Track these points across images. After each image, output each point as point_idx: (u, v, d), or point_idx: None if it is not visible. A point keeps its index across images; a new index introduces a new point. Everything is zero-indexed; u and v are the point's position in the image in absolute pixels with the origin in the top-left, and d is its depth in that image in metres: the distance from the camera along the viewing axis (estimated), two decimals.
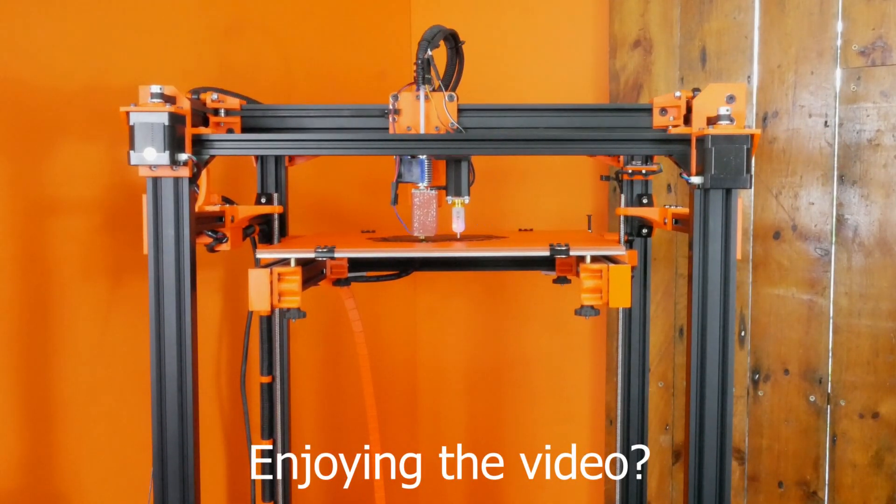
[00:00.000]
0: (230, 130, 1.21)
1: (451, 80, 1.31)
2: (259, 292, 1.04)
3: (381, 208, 2.08)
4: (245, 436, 1.42)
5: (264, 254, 1.10)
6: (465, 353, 2.17)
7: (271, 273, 1.04)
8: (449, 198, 1.22)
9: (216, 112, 1.19)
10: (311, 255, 1.08)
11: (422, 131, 1.19)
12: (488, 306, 2.14)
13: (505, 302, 2.11)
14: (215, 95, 1.18)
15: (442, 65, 1.30)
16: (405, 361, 2.18)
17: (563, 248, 1.08)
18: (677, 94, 1.18)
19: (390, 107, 1.18)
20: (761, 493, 1.82)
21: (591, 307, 1.07)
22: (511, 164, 2.05)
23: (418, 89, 1.17)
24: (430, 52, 1.15)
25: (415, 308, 2.19)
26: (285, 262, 1.09)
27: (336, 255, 1.09)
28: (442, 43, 1.24)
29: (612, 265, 1.05)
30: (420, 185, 1.21)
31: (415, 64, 1.16)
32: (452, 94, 1.19)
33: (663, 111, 1.20)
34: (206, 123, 1.19)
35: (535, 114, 1.23)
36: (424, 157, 1.19)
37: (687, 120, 1.19)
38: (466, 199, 1.22)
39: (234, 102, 1.21)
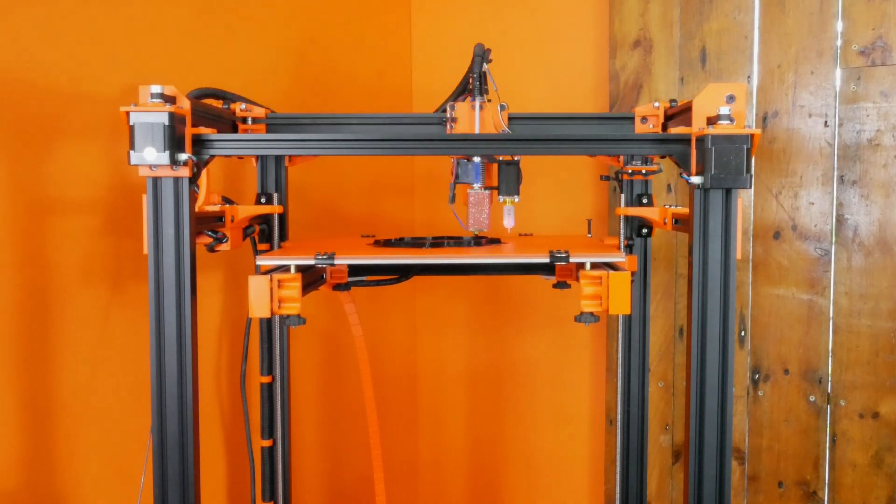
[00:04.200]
0: None
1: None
2: (259, 299, 1.04)
3: (381, 209, 2.09)
4: (245, 436, 1.42)
5: (264, 260, 1.10)
6: (464, 354, 2.17)
7: (271, 279, 1.04)
8: (501, 197, 1.30)
9: (244, 120, 1.29)
10: (311, 262, 1.08)
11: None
12: (488, 309, 2.14)
13: (505, 304, 2.11)
14: (244, 105, 1.28)
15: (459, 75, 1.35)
16: (405, 364, 2.18)
17: (563, 255, 1.08)
18: (656, 104, 1.28)
19: (447, 115, 1.31)
20: (761, 493, 1.82)
21: (591, 314, 1.07)
22: None
23: (473, 100, 1.28)
24: (486, 66, 1.26)
25: (414, 311, 2.19)
26: (285, 268, 1.09)
27: (336, 261, 1.08)
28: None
29: (611, 272, 1.05)
30: (475, 185, 1.29)
31: (471, 77, 1.27)
32: (504, 104, 1.29)
33: (644, 119, 1.30)
34: (235, 131, 1.28)
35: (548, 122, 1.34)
36: (478, 159, 1.28)
37: (665, 128, 1.29)
38: (517, 198, 1.30)
39: (259, 111, 1.29)
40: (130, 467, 1.30)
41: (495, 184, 1.30)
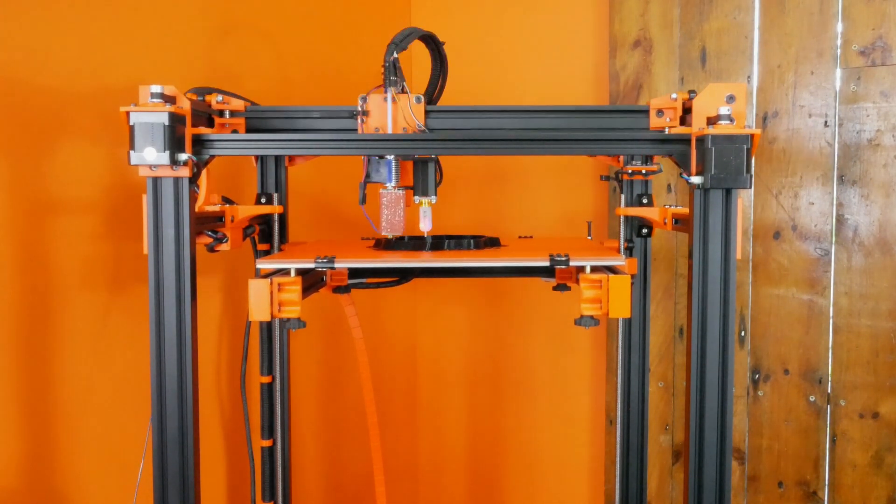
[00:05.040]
0: (234, 132, 1.22)
1: (436, 82, 1.31)
2: (259, 302, 1.04)
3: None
4: (245, 436, 1.42)
5: (264, 264, 1.09)
6: (465, 355, 2.17)
7: (271, 283, 1.04)
8: (416, 198, 1.24)
9: (221, 113, 1.21)
10: (312, 266, 1.08)
11: (389, 132, 1.20)
12: (488, 310, 2.14)
13: (505, 305, 2.11)
14: (220, 97, 1.20)
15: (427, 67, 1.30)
16: (406, 364, 2.19)
17: (563, 259, 1.08)
18: (673, 95, 1.20)
19: (359, 108, 1.19)
20: (761, 493, 1.82)
21: (591, 317, 1.07)
22: (511, 166, 2.05)
23: (385, 91, 1.18)
24: (396, 55, 1.16)
25: (415, 312, 2.19)
26: (285, 271, 1.09)
27: (336, 265, 1.08)
28: (421, 46, 1.25)
29: (611, 275, 1.05)
30: (388, 185, 1.22)
31: (382, 66, 1.17)
32: (419, 96, 1.20)
33: (660, 112, 1.22)
34: (210, 125, 1.20)
35: (514, 115, 1.24)
36: (392, 157, 1.21)
37: (683, 121, 1.20)
38: (433, 199, 1.23)
39: (238, 104, 1.22)
40: (130, 466, 1.30)
41: (411, 183, 1.22)
